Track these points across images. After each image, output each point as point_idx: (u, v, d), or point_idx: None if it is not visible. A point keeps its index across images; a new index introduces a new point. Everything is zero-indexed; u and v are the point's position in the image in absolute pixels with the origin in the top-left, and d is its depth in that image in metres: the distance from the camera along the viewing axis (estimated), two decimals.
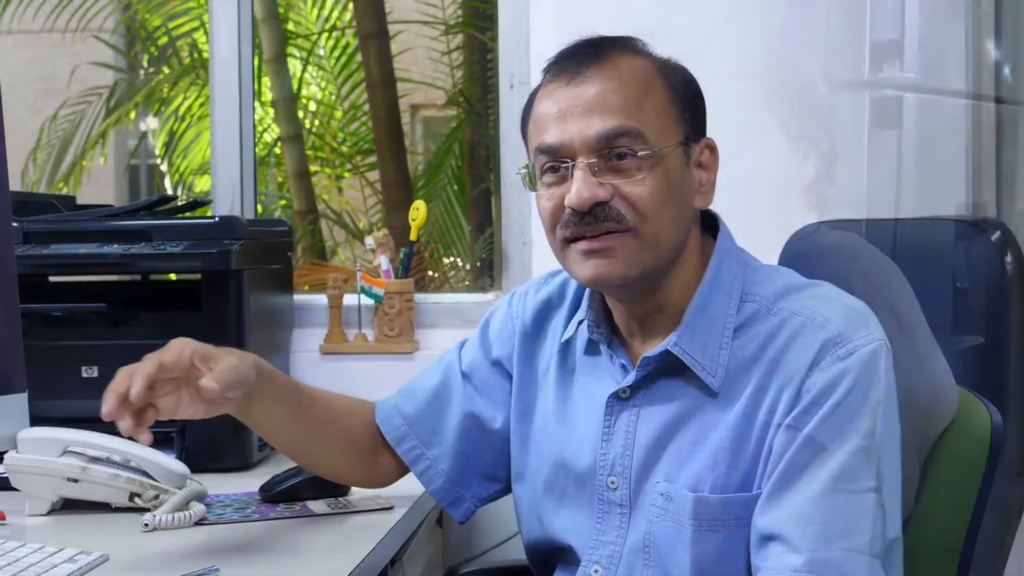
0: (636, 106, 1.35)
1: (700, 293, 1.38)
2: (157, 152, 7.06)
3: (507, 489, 1.59)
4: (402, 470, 1.63)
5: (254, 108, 2.68)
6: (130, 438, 1.37)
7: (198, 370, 1.40)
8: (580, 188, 1.34)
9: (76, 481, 1.61)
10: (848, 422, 1.27)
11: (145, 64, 6.52)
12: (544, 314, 1.55)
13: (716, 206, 1.44)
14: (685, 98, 1.40)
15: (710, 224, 1.45)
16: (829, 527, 1.24)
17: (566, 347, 1.50)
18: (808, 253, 1.73)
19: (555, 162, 1.37)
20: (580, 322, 1.48)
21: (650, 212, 1.34)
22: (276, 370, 1.53)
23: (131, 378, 1.35)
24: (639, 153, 1.33)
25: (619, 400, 1.41)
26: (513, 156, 2.43)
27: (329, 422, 1.59)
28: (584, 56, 1.38)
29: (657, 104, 1.36)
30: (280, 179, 5.53)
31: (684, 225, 1.39)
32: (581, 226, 1.35)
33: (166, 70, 6.11)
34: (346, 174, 5.75)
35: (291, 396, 1.55)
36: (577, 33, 1.42)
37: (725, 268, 1.40)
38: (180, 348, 1.40)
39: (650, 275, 1.37)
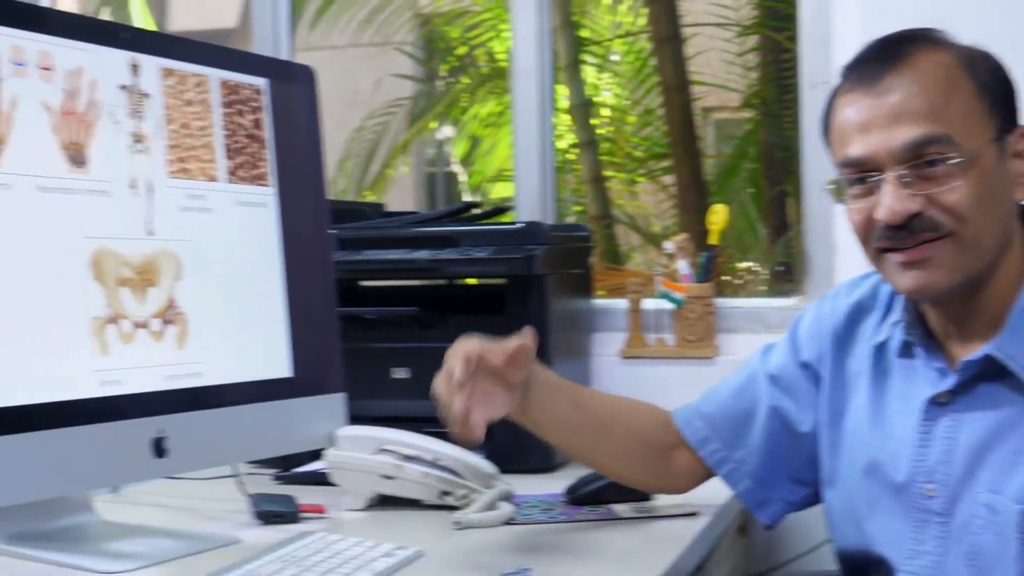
0: (942, 109, 1.29)
1: None
2: (455, 159, 7.26)
3: (816, 495, 1.55)
4: (702, 474, 1.61)
5: (554, 115, 2.71)
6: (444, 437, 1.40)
7: (487, 362, 1.39)
8: (891, 203, 1.29)
9: (391, 478, 1.67)
10: None
11: (444, 74, 6.72)
12: (856, 316, 1.51)
13: None
14: (994, 89, 1.33)
15: None
16: None
17: (880, 350, 1.45)
18: None
19: (861, 175, 1.32)
20: (894, 324, 1.43)
21: (968, 215, 1.29)
22: (549, 370, 1.54)
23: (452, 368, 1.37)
24: (950, 160, 1.28)
25: (937, 405, 1.36)
26: (815, 157, 2.37)
27: (612, 421, 1.58)
28: (882, 59, 1.33)
29: (964, 102, 1.30)
30: (575, 185, 5.59)
31: (1005, 222, 1.33)
32: (895, 239, 1.31)
33: (465, 80, 6.27)
34: (640, 178, 5.76)
35: (569, 393, 1.55)
36: (882, 29, 1.37)
37: None
38: (468, 344, 1.40)
39: (972, 279, 1.32)
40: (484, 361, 1.39)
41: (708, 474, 1.60)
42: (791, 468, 1.55)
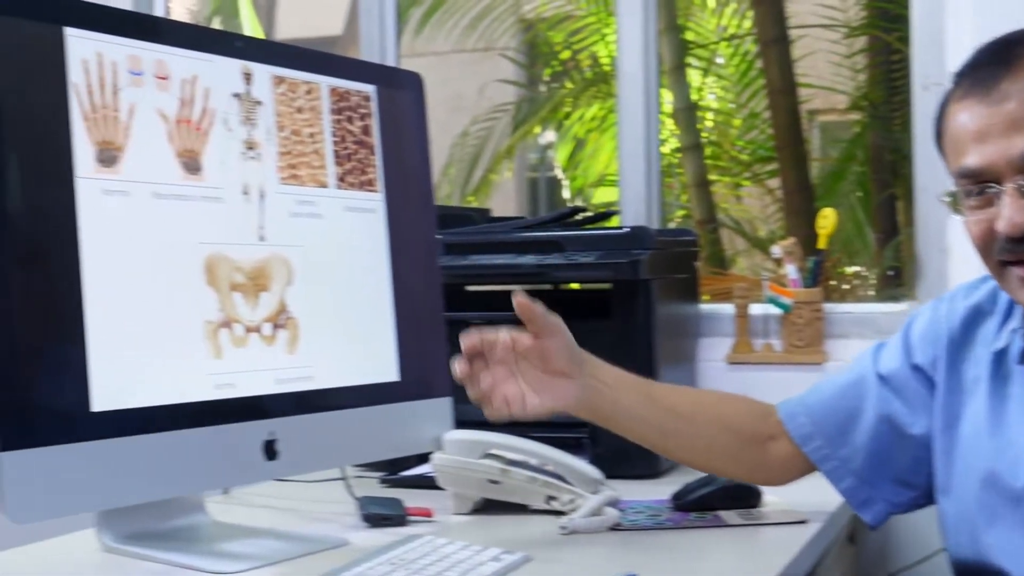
0: None
1: None
2: (556, 164, 7.27)
3: (922, 499, 1.53)
4: (803, 469, 1.59)
5: (659, 119, 2.70)
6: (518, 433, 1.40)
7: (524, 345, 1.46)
8: (1011, 215, 1.26)
9: (496, 483, 1.68)
10: None
11: (546, 79, 6.73)
12: (973, 321, 1.48)
13: None
14: None
15: None
16: None
17: (1000, 356, 1.42)
18: None
19: (979, 185, 1.30)
20: (1013, 331, 1.40)
21: None
22: (615, 367, 1.54)
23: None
24: None
25: None
26: (927, 160, 2.32)
27: (694, 414, 1.58)
28: (997, 62, 1.29)
29: None
30: (679, 189, 5.56)
31: None
32: (1018, 252, 1.28)
33: (568, 84, 6.27)
34: (745, 182, 5.71)
35: (640, 389, 1.56)
36: (997, 30, 1.34)
37: None
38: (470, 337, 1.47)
39: None
40: (517, 346, 1.46)
41: (809, 469, 1.59)
42: (897, 469, 1.53)
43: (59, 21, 1.33)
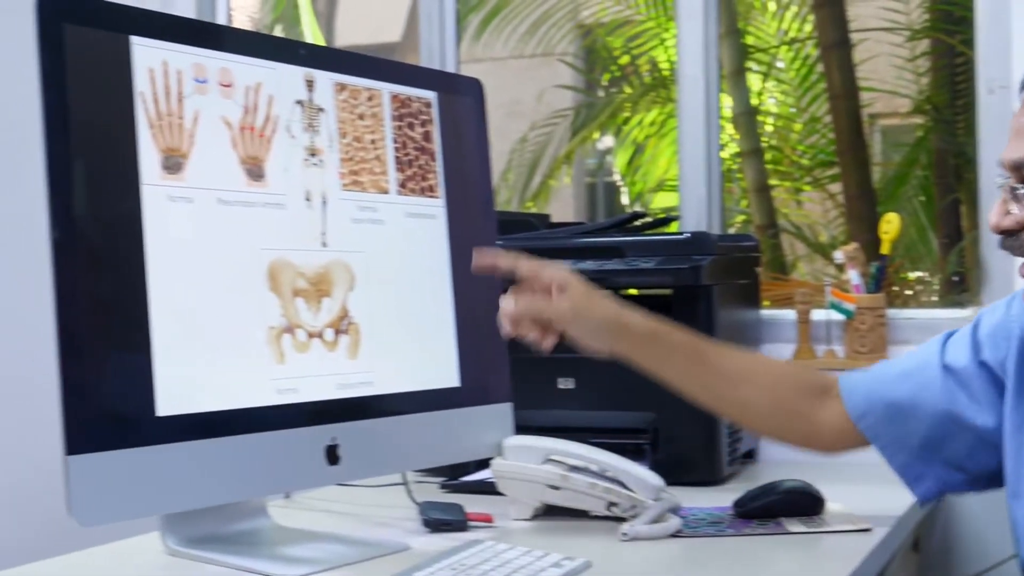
0: None
1: None
2: (615, 170, 7.25)
3: (974, 484, 1.52)
4: (855, 442, 1.58)
5: (720, 123, 2.69)
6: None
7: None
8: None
9: (557, 488, 1.67)
10: None
11: (605, 84, 6.72)
12: None
13: None
14: None
15: None
16: None
17: None
18: None
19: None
20: None
21: None
22: (661, 324, 1.58)
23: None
24: None
25: None
26: (992, 164, 2.29)
27: (742, 376, 1.60)
28: None
29: None
30: (738, 194, 5.53)
31: None
32: (1005, 246, 1.27)
33: (627, 89, 6.26)
34: (805, 187, 5.67)
35: (685, 348, 1.59)
36: None
37: None
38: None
39: None
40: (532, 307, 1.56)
41: (861, 443, 1.57)
42: (951, 454, 1.51)
43: (126, 30, 1.34)
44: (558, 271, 1.59)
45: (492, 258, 1.60)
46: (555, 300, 1.56)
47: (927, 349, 1.56)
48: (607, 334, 1.58)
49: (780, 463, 2.08)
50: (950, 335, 1.56)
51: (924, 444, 1.52)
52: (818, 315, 2.39)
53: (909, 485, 1.55)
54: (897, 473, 1.56)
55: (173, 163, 1.37)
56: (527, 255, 1.60)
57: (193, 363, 1.36)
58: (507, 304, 1.57)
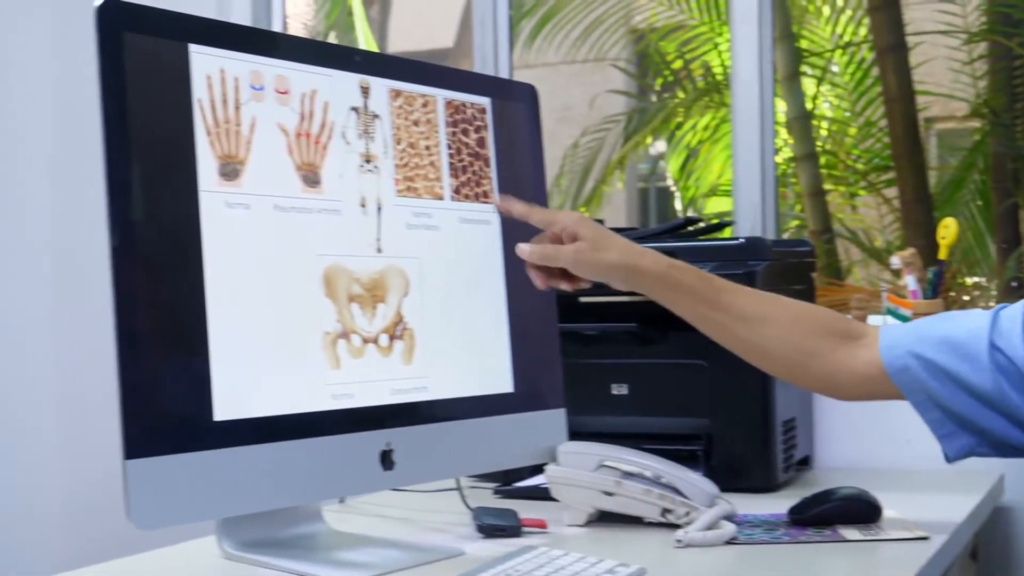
0: None
1: None
2: (667, 175, 7.23)
3: (1004, 452, 1.50)
4: (884, 392, 1.56)
5: (774, 128, 2.67)
6: None
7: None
8: None
9: (611, 495, 1.67)
10: None
11: (658, 89, 6.71)
12: None
13: None
14: None
15: None
16: None
17: None
18: None
19: None
20: None
21: None
22: (676, 269, 1.60)
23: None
24: None
25: None
26: None
27: (762, 320, 1.60)
28: None
29: None
30: (793, 199, 5.50)
31: None
32: None
33: (680, 94, 6.24)
34: (860, 192, 5.63)
35: (702, 294, 1.60)
36: None
37: None
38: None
39: None
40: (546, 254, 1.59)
41: (892, 395, 1.55)
42: (984, 422, 1.49)
43: (184, 38, 1.36)
44: (568, 217, 1.61)
45: (506, 204, 1.63)
46: (566, 247, 1.58)
47: (976, 320, 1.52)
48: (620, 278, 1.60)
49: (835, 470, 2.06)
50: (1001, 308, 1.53)
51: (961, 412, 1.50)
52: (874, 320, 2.37)
53: (940, 440, 1.53)
54: (929, 427, 1.53)
55: (230, 170, 1.38)
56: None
57: (250, 368, 1.37)
58: (522, 250, 1.60)
